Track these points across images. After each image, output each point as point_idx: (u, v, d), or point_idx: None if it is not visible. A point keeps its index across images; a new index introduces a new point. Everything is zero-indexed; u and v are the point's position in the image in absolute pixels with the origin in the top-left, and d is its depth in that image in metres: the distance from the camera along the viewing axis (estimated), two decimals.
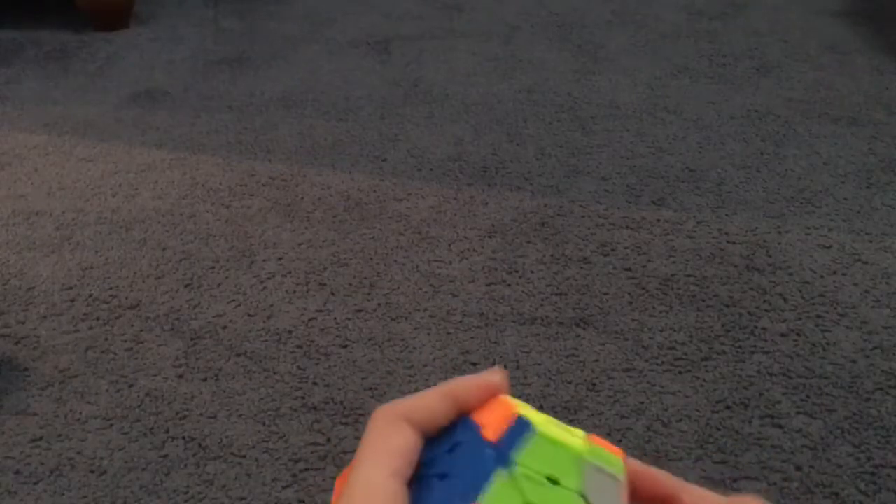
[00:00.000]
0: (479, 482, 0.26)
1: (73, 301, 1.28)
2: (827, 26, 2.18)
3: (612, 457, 0.28)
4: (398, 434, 0.26)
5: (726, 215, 1.42)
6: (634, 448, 1.00)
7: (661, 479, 0.30)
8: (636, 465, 0.30)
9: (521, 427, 0.28)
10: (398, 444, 0.26)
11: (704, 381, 1.09)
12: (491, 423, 0.27)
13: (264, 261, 1.35)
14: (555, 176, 1.56)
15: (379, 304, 1.24)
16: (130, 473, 0.99)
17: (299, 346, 1.17)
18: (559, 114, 1.79)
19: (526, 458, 0.27)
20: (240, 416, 1.06)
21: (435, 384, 0.32)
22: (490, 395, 0.28)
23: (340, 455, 1.00)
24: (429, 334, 1.17)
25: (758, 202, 1.46)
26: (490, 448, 0.27)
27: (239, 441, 1.02)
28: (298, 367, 1.13)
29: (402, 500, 0.24)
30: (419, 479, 0.27)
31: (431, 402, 0.27)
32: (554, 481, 0.26)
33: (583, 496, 0.26)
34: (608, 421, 1.03)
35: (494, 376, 0.28)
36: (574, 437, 0.28)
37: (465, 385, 0.27)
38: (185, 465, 1.00)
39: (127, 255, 1.38)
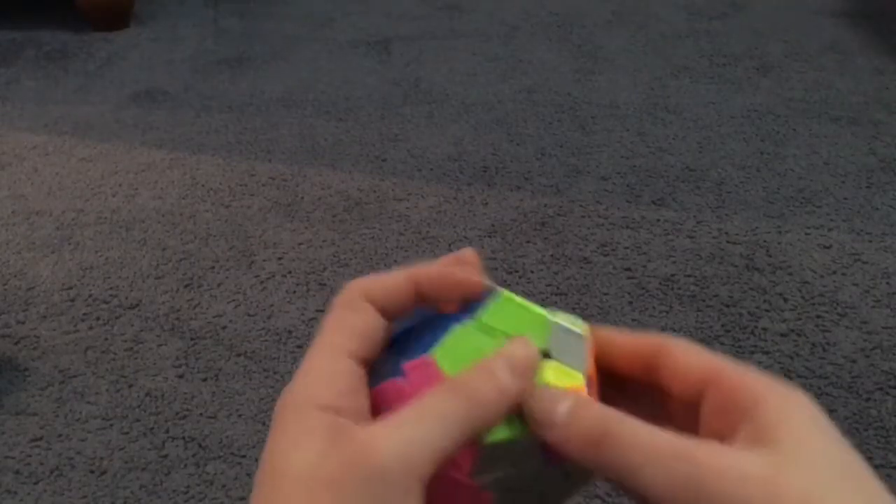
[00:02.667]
0: (436, 337, 0.26)
1: (73, 301, 1.28)
2: (827, 26, 2.18)
3: (576, 319, 0.28)
4: (358, 314, 0.26)
5: (726, 215, 1.42)
6: None
7: (640, 339, 0.28)
8: (612, 332, 0.28)
9: (486, 295, 0.27)
10: (356, 323, 0.25)
11: None
12: (455, 304, 0.27)
13: (264, 261, 1.35)
14: (555, 176, 1.56)
15: None
16: (130, 473, 0.99)
17: (299, 346, 1.17)
18: (559, 114, 1.79)
19: (489, 316, 0.27)
20: (240, 416, 1.06)
21: None
22: (456, 281, 0.27)
23: None
24: None
25: (758, 202, 1.46)
26: (451, 316, 0.26)
27: (239, 441, 1.02)
28: (298, 367, 1.13)
29: (358, 379, 0.24)
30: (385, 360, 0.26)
31: (394, 282, 0.26)
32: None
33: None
34: None
35: (463, 253, 0.27)
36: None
37: (428, 268, 0.27)
38: (185, 465, 1.00)
39: (127, 255, 1.38)
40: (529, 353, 0.24)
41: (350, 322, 0.25)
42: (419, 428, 0.21)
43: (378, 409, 0.24)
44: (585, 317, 1.20)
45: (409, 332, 0.27)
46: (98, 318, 1.24)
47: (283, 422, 0.23)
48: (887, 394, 1.06)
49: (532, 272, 1.30)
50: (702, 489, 0.21)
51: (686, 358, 0.26)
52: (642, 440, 0.22)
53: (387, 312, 0.26)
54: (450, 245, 1.37)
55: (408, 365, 0.25)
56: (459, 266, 0.27)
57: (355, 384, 0.24)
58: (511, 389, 0.23)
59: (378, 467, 0.20)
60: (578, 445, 0.23)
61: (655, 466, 0.21)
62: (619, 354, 0.28)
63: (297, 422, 0.23)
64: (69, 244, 1.41)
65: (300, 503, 0.21)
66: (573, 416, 0.23)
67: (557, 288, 1.26)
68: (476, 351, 0.25)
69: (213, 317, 1.23)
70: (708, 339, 1.16)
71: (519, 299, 0.27)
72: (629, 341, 0.28)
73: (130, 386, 1.12)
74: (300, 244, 1.39)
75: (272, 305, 1.25)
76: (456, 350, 0.25)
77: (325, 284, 1.29)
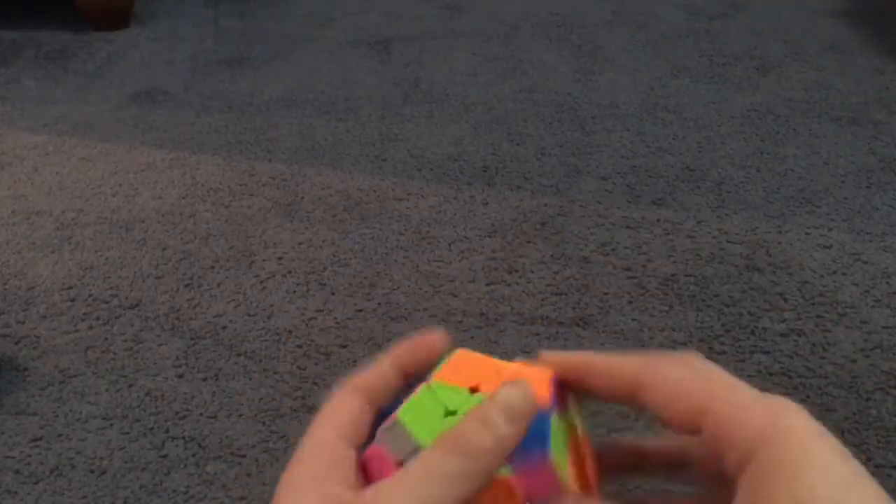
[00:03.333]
0: (400, 402, 0.27)
1: (73, 301, 1.28)
2: (827, 26, 2.18)
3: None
4: (347, 402, 0.27)
5: (726, 215, 1.42)
6: None
7: (619, 364, 0.27)
8: (591, 357, 0.28)
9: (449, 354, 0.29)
10: (346, 410, 0.26)
11: None
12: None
13: (264, 261, 1.35)
14: (555, 176, 1.56)
15: (379, 304, 1.24)
16: (130, 473, 0.99)
17: (299, 346, 1.17)
18: (559, 114, 1.79)
19: (446, 370, 0.27)
20: (240, 416, 1.06)
21: None
22: (429, 350, 0.28)
23: None
24: None
25: (758, 202, 1.46)
26: (423, 381, 0.27)
27: (239, 441, 1.02)
28: (298, 367, 1.13)
29: (349, 460, 0.25)
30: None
31: (379, 369, 0.28)
32: (475, 390, 0.26)
33: None
34: (608, 420, 1.03)
35: (432, 334, 0.28)
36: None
37: (403, 346, 0.28)
38: (185, 465, 1.00)
39: (127, 255, 1.38)
40: (525, 396, 0.24)
41: (338, 411, 0.27)
42: (425, 488, 0.22)
43: (364, 475, 0.26)
44: (585, 317, 1.20)
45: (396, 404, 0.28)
46: (98, 318, 1.24)
47: (281, 493, 0.23)
48: (887, 394, 1.06)
49: (532, 272, 1.30)
50: None
51: (670, 384, 0.25)
52: None
53: (376, 398, 0.28)
54: (450, 245, 1.37)
55: (380, 429, 0.27)
56: (426, 346, 0.28)
57: (345, 460, 0.25)
58: (509, 436, 0.23)
59: None
60: None
61: None
62: (599, 384, 0.27)
63: (295, 496, 0.23)
64: (69, 244, 1.41)
65: None
66: None
67: (557, 288, 1.26)
68: (435, 404, 0.25)
69: (213, 317, 1.23)
70: (708, 339, 1.16)
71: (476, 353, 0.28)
72: (607, 367, 0.27)
73: (130, 386, 1.12)
74: (300, 244, 1.39)
75: (272, 305, 1.25)
76: (418, 407, 0.26)
77: (325, 284, 1.29)
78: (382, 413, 0.28)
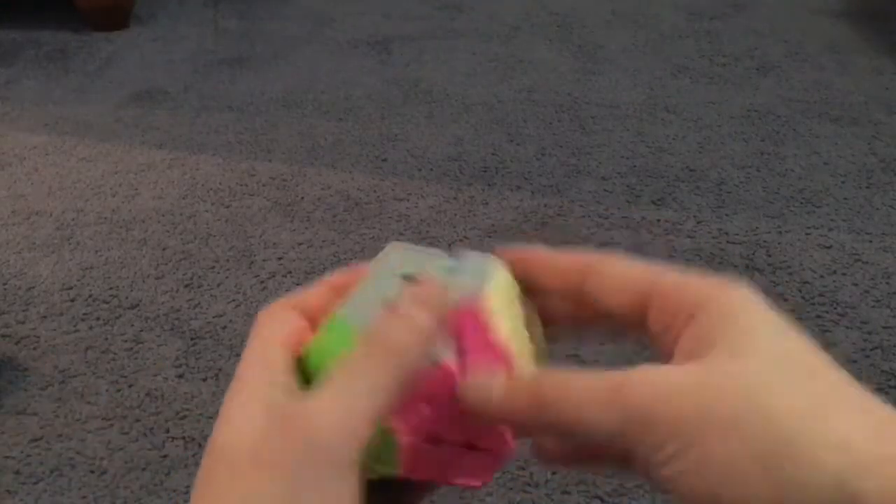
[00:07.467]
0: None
1: (73, 301, 1.28)
2: (827, 26, 2.18)
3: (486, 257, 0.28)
4: (283, 314, 0.26)
5: (726, 215, 1.42)
6: None
7: (566, 258, 0.27)
8: (542, 251, 0.27)
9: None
10: (284, 321, 0.26)
11: None
12: None
13: (264, 261, 1.35)
14: (555, 176, 1.56)
15: None
16: (130, 473, 0.99)
17: None
18: (559, 114, 1.79)
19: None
20: None
21: None
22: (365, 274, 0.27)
23: None
24: None
25: (758, 202, 1.46)
26: None
27: None
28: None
29: (290, 367, 0.24)
30: None
31: (314, 290, 0.27)
32: (409, 276, 0.26)
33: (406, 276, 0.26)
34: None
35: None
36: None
37: (339, 271, 0.27)
38: (185, 465, 1.00)
39: (127, 255, 1.38)
40: (432, 284, 0.24)
41: (277, 322, 0.26)
42: (352, 394, 0.22)
43: None
44: None
45: None
46: (98, 318, 1.24)
47: (225, 407, 0.23)
48: (887, 394, 1.06)
49: None
50: (638, 418, 0.20)
51: (617, 271, 0.25)
52: (573, 389, 0.22)
53: (311, 316, 0.27)
54: (450, 245, 1.37)
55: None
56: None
57: (286, 368, 0.24)
58: (426, 325, 0.23)
59: (321, 444, 0.21)
60: (521, 419, 0.23)
61: (591, 410, 0.21)
62: (545, 274, 0.27)
63: (239, 404, 0.23)
64: (69, 244, 1.41)
65: (244, 485, 0.21)
66: (506, 396, 0.23)
67: None
68: (375, 295, 0.25)
69: (213, 317, 1.23)
70: None
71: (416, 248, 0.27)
72: (554, 261, 0.27)
73: (130, 386, 1.12)
74: (300, 244, 1.39)
75: None
76: (362, 300, 0.25)
77: None
78: None
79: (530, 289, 0.28)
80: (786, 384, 0.20)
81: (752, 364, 0.20)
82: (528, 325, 0.27)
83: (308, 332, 0.26)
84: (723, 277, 0.23)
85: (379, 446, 0.23)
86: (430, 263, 0.26)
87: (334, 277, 0.27)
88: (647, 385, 0.21)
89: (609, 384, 0.21)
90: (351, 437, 0.21)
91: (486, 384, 0.23)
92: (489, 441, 0.25)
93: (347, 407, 0.21)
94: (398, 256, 0.27)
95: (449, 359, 0.24)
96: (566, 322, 0.28)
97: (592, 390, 0.21)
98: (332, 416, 0.21)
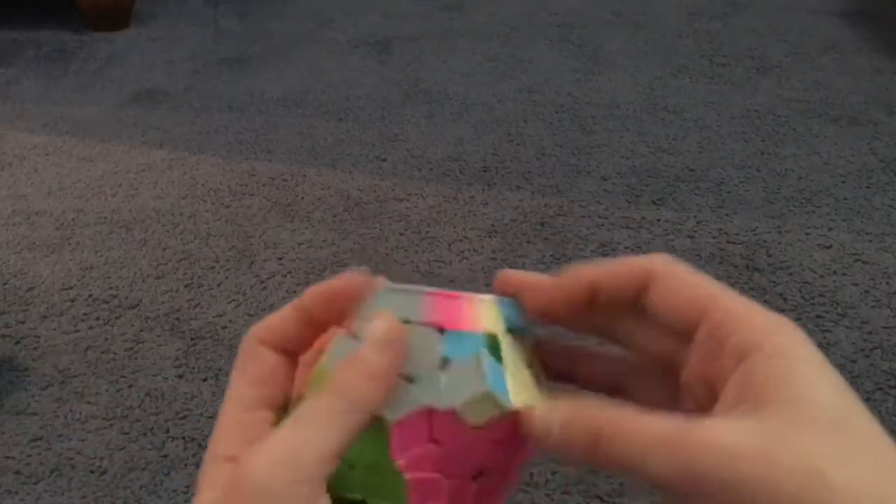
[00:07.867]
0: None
1: (73, 301, 1.28)
2: (827, 26, 2.18)
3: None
4: (256, 362, 0.27)
5: (726, 215, 1.42)
6: None
7: (625, 265, 0.26)
8: (595, 267, 0.27)
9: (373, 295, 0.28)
10: (254, 371, 0.26)
11: None
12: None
13: (264, 261, 1.35)
14: (555, 176, 1.56)
15: None
16: (130, 473, 0.99)
17: None
18: (559, 114, 1.79)
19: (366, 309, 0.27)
20: None
21: None
22: (345, 300, 0.27)
23: None
24: None
25: (758, 202, 1.46)
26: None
27: None
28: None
29: (262, 423, 0.25)
30: None
31: (280, 317, 0.27)
32: (406, 321, 0.25)
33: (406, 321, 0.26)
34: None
35: (349, 278, 0.27)
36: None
37: (314, 292, 0.27)
38: (185, 465, 1.00)
39: (127, 255, 1.38)
40: (388, 324, 0.25)
41: (249, 371, 0.26)
42: (300, 434, 0.22)
43: None
44: None
45: None
46: (98, 318, 1.24)
47: (199, 477, 0.24)
48: (887, 394, 1.06)
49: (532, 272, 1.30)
50: (700, 475, 0.20)
51: (681, 283, 0.25)
52: (636, 434, 0.22)
53: (285, 347, 0.27)
54: (450, 245, 1.37)
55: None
56: (342, 294, 0.27)
57: (257, 430, 0.25)
58: (380, 366, 0.24)
59: (260, 483, 0.21)
60: (577, 452, 0.23)
61: (654, 457, 0.21)
62: (607, 285, 0.27)
63: (204, 474, 0.24)
64: (69, 244, 1.41)
65: None
66: (563, 430, 0.23)
67: None
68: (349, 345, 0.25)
69: (213, 317, 1.23)
70: None
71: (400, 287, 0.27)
72: (614, 269, 0.27)
73: (130, 386, 1.12)
74: (300, 244, 1.39)
75: (272, 305, 1.25)
76: (335, 352, 0.26)
77: None
78: None
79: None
80: (848, 459, 0.20)
81: (815, 443, 0.20)
82: (531, 366, 0.28)
83: (282, 367, 0.26)
84: (773, 315, 0.23)
85: (386, 484, 0.24)
86: (424, 352, 0.25)
87: (307, 298, 0.28)
88: (714, 447, 0.21)
89: (672, 434, 0.21)
90: (297, 472, 0.21)
91: (547, 417, 0.24)
92: (495, 475, 0.26)
93: (293, 446, 0.22)
94: (386, 301, 0.26)
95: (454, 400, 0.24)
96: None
97: (654, 437, 0.21)
98: (273, 456, 0.22)
